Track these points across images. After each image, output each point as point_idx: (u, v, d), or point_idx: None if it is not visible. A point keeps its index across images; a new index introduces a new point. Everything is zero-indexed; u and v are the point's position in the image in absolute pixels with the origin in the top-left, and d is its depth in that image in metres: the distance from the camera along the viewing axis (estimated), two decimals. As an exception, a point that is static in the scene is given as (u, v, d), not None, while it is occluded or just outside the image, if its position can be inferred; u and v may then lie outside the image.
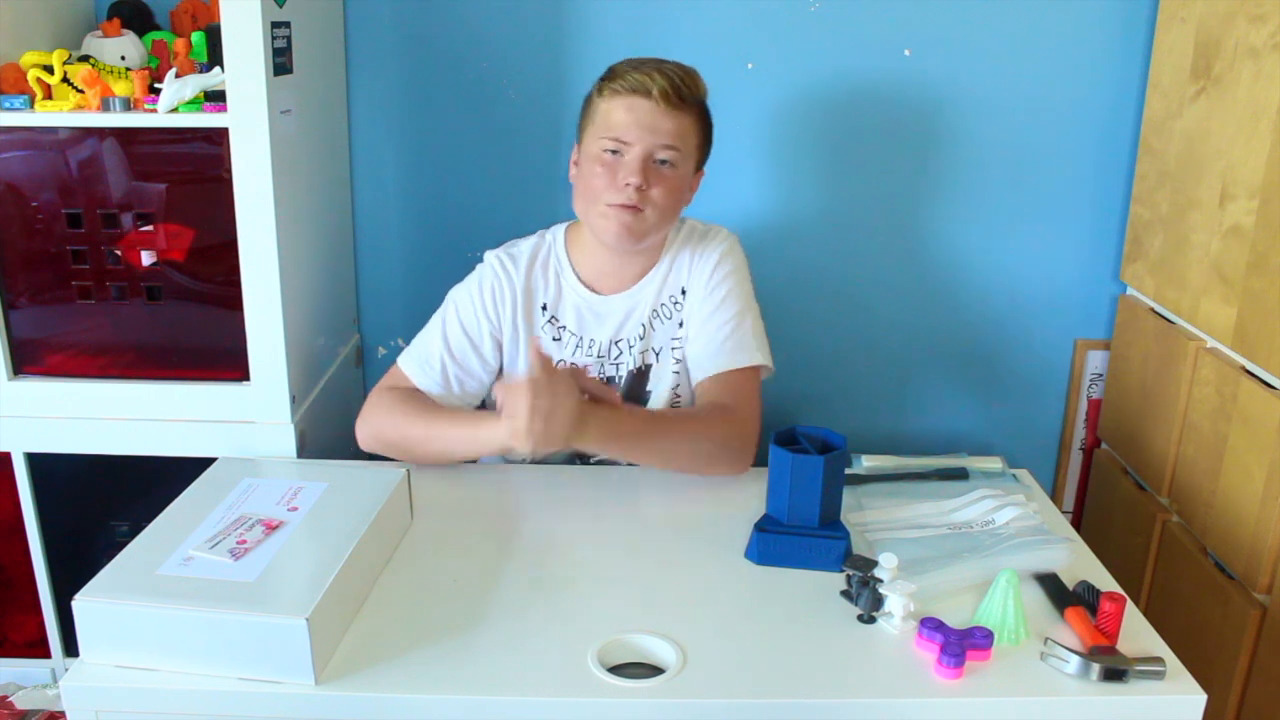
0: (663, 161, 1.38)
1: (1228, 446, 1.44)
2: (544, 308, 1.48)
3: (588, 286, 1.47)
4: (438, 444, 1.39)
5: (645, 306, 1.47)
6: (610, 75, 1.40)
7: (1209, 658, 1.44)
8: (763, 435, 1.37)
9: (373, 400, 1.44)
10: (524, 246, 1.49)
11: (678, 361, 1.49)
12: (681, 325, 1.48)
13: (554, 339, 1.48)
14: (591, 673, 1.03)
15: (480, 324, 1.46)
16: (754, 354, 1.44)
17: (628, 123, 1.36)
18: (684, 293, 1.48)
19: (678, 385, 1.51)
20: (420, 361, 1.45)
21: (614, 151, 1.37)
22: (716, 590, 1.19)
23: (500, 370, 1.49)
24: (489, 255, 1.49)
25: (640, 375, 1.50)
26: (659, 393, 1.50)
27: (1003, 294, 1.89)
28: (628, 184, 1.35)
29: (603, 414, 1.29)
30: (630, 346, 1.48)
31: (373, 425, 1.42)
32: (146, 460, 1.49)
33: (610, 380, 1.49)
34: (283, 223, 1.42)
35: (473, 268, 1.52)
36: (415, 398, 1.43)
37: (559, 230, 1.51)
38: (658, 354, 1.49)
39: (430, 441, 1.39)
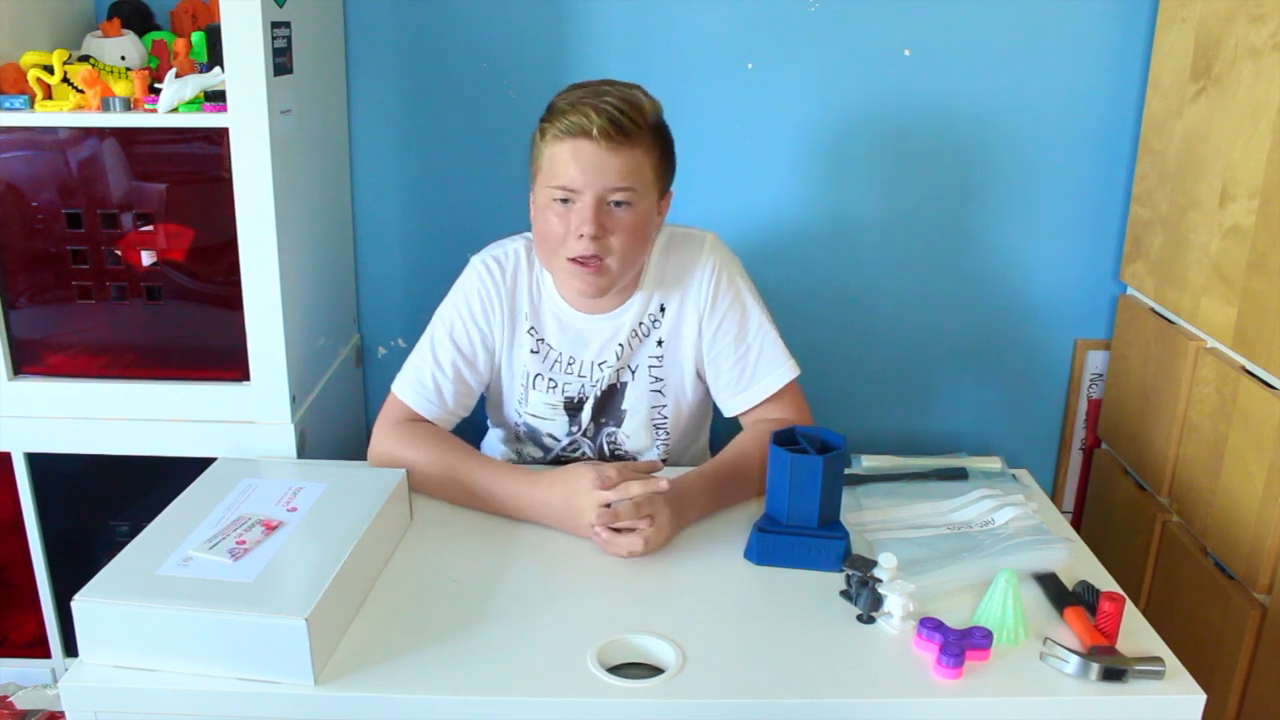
0: (618, 204, 1.30)
1: (1228, 446, 1.44)
2: (525, 316, 1.43)
3: (570, 305, 1.42)
4: (479, 503, 1.33)
5: (626, 329, 1.42)
6: (549, 114, 1.32)
7: (1209, 658, 1.44)
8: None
9: (388, 438, 1.38)
10: (509, 251, 1.43)
11: (657, 380, 1.45)
12: (661, 344, 1.43)
13: (532, 351, 1.43)
14: (591, 673, 1.03)
15: (471, 335, 1.42)
16: (782, 371, 1.42)
17: (572, 168, 1.28)
18: (663, 309, 1.42)
19: (662, 405, 1.47)
20: (415, 385, 1.40)
21: (564, 200, 1.30)
22: (716, 590, 1.19)
23: (490, 376, 1.46)
24: (474, 259, 1.44)
25: (610, 393, 1.45)
26: (636, 413, 1.46)
27: (1003, 294, 1.89)
28: (581, 235, 1.28)
29: (683, 494, 1.28)
30: (607, 366, 1.44)
31: (391, 463, 1.36)
32: (146, 460, 1.49)
33: (583, 402, 1.46)
34: (283, 223, 1.42)
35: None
36: (444, 443, 1.37)
37: None
38: (634, 372, 1.44)
39: (470, 499, 1.33)
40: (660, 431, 1.49)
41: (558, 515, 1.27)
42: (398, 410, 1.41)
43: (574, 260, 1.31)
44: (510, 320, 1.43)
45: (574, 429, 1.47)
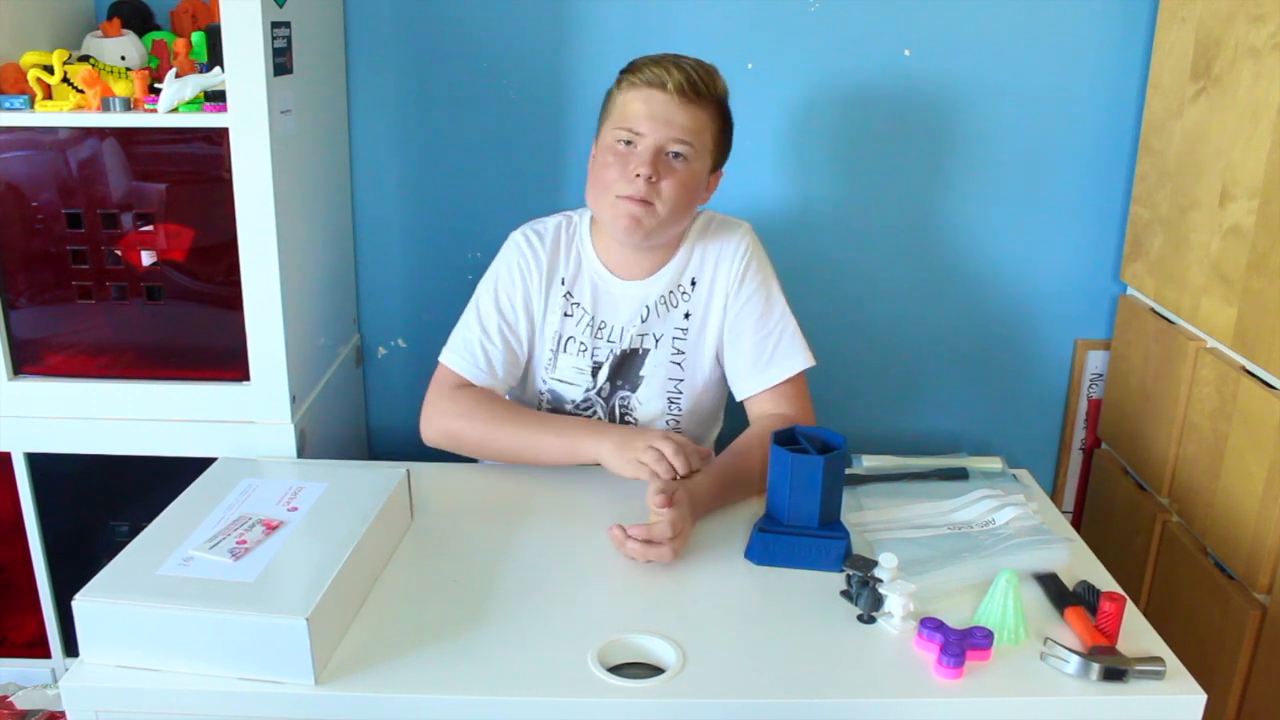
0: (675, 155, 1.38)
1: (1228, 446, 1.44)
2: (562, 281, 1.49)
3: (607, 269, 1.48)
4: (530, 450, 1.40)
5: (655, 295, 1.48)
6: (629, 68, 1.41)
7: (1209, 658, 1.44)
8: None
9: (442, 403, 1.44)
10: (549, 224, 1.51)
11: (679, 353, 1.49)
12: (688, 316, 1.48)
13: (565, 314, 1.48)
14: (591, 673, 1.03)
15: (514, 300, 1.47)
16: (800, 358, 1.47)
17: (642, 114, 1.36)
18: (694, 284, 1.48)
19: (679, 379, 1.50)
20: (464, 354, 1.46)
21: (627, 142, 1.37)
22: (716, 590, 1.19)
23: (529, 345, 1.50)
24: (514, 233, 1.51)
25: (629, 357, 1.49)
26: (652, 381, 1.49)
27: (1003, 294, 1.89)
28: (638, 174, 1.35)
29: (697, 490, 1.29)
30: (631, 330, 1.48)
31: (445, 425, 1.43)
32: (146, 460, 1.49)
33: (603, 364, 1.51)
34: (283, 223, 1.42)
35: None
36: (495, 399, 1.45)
37: (586, 211, 1.51)
38: (657, 340, 1.49)
39: (520, 448, 1.41)
40: (673, 406, 1.51)
41: (616, 443, 1.32)
42: (448, 378, 1.46)
43: (624, 197, 1.37)
44: (546, 285, 1.48)
45: (589, 389, 1.51)
